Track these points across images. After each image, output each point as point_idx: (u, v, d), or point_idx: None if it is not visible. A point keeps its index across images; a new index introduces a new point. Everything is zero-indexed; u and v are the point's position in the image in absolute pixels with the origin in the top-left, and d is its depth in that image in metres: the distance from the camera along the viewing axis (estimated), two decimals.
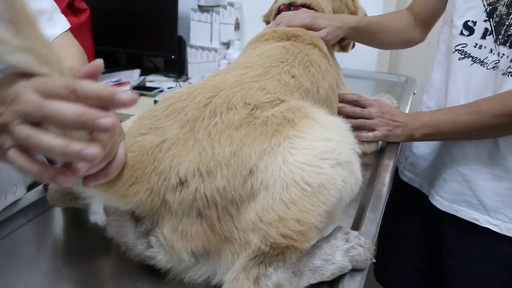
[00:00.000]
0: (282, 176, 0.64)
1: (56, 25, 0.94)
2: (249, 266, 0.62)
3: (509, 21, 1.11)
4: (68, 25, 0.97)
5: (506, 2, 1.11)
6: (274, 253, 0.63)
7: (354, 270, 0.71)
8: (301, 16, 1.17)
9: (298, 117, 0.72)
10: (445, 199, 1.28)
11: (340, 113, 1.17)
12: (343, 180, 0.67)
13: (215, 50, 2.19)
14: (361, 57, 1.98)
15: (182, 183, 0.63)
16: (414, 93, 1.78)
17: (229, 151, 0.65)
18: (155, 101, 1.87)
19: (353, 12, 1.40)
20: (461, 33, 1.20)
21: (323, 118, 0.74)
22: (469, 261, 1.27)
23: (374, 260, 0.73)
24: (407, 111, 1.54)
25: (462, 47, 1.21)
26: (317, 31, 1.16)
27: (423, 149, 1.37)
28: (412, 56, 2.12)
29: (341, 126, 0.74)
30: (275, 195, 0.63)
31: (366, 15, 1.50)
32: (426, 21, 1.45)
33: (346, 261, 0.69)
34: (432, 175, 1.33)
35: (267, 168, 0.64)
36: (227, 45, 2.24)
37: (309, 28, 1.14)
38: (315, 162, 0.66)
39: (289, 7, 1.24)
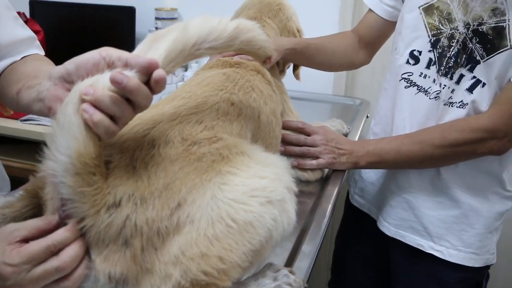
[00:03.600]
0: (208, 211, 0.63)
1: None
2: None
3: (450, 53, 1.14)
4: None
5: (447, 35, 1.14)
6: None
7: None
8: None
9: (234, 153, 0.71)
10: (391, 225, 1.30)
11: (284, 140, 1.18)
12: (273, 219, 0.66)
13: (173, 72, 2.18)
14: (318, 80, 2.00)
15: (116, 205, 0.62)
16: (367, 116, 1.80)
17: (162, 183, 0.64)
18: None
19: None
20: (407, 62, 1.22)
21: (259, 155, 0.73)
22: (414, 285, 1.29)
23: None
24: (358, 134, 1.55)
25: (408, 75, 1.23)
26: None
27: (371, 175, 1.39)
28: (368, 79, 2.15)
29: (278, 163, 0.74)
30: (199, 230, 0.62)
31: None
32: (370, 44, 1.45)
33: None
34: (380, 201, 1.35)
35: (195, 202, 0.64)
36: (185, 67, 2.23)
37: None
38: (244, 199, 0.65)
39: None
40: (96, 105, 0.58)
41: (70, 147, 0.57)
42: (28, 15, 2.21)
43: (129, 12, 2.22)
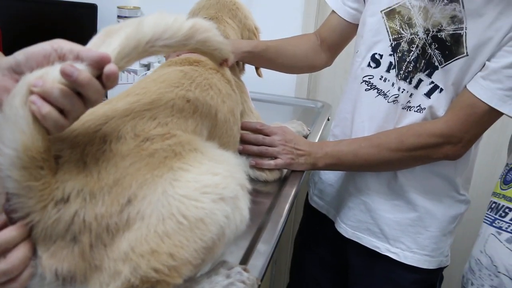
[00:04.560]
0: (159, 207, 0.62)
1: None
2: None
3: (409, 57, 1.15)
4: None
5: (407, 39, 1.15)
6: (144, 287, 0.61)
7: None
8: None
9: (187, 150, 0.70)
10: (349, 227, 1.31)
11: (242, 139, 1.17)
12: (225, 216, 0.65)
13: (135, 72, 2.15)
14: (281, 83, 2.01)
15: (64, 200, 0.61)
16: (328, 119, 1.81)
17: (113, 178, 0.63)
18: None
19: None
20: (369, 65, 1.23)
21: (213, 152, 0.73)
22: (370, 287, 1.30)
23: None
24: (318, 136, 1.56)
25: (369, 78, 1.23)
26: None
27: (330, 176, 1.39)
28: (331, 82, 2.17)
29: (231, 161, 0.73)
30: (150, 226, 0.61)
31: None
32: (332, 47, 1.45)
33: None
34: (338, 203, 1.36)
35: (145, 198, 0.63)
36: (147, 66, 2.20)
37: None
38: (196, 196, 0.64)
39: None
40: (45, 98, 0.56)
41: (17, 140, 0.56)
42: None
43: (90, 10, 2.18)
